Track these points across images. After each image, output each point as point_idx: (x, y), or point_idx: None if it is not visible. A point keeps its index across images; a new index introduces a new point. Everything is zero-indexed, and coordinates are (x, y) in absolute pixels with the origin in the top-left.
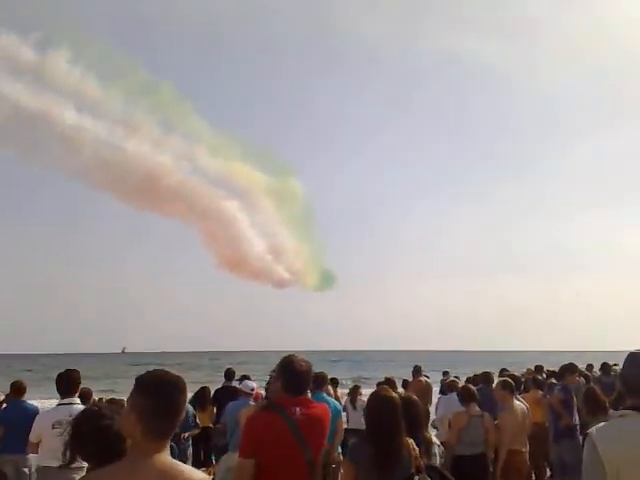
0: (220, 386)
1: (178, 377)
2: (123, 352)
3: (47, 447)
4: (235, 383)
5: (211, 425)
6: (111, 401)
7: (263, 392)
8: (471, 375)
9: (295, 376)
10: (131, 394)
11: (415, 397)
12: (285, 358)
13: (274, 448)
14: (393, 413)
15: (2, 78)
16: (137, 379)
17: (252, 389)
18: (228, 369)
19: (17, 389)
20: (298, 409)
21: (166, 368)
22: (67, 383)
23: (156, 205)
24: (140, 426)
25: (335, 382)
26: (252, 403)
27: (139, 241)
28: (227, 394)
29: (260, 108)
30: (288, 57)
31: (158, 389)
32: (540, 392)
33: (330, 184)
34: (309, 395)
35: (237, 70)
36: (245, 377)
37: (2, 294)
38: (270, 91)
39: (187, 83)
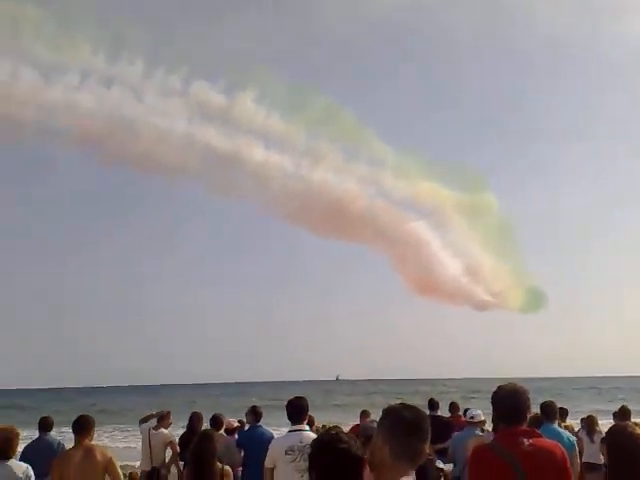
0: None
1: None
2: (337, 380)
3: (281, 473)
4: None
5: None
6: (334, 428)
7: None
8: None
9: (504, 405)
10: (380, 421)
11: None
12: (497, 387)
13: None
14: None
15: (195, 123)
16: (384, 410)
17: (473, 418)
18: (430, 399)
19: (255, 414)
20: (525, 440)
21: (376, 395)
22: (297, 410)
23: (343, 232)
24: (388, 445)
25: (564, 412)
26: (479, 432)
27: (349, 270)
28: (434, 424)
29: (445, 120)
30: (473, 64)
31: (404, 412)
32: None
33: (521, 198)
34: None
35: (417, 85)
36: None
37: (227, 328)
38: (457, 102)
39: (367, 106)
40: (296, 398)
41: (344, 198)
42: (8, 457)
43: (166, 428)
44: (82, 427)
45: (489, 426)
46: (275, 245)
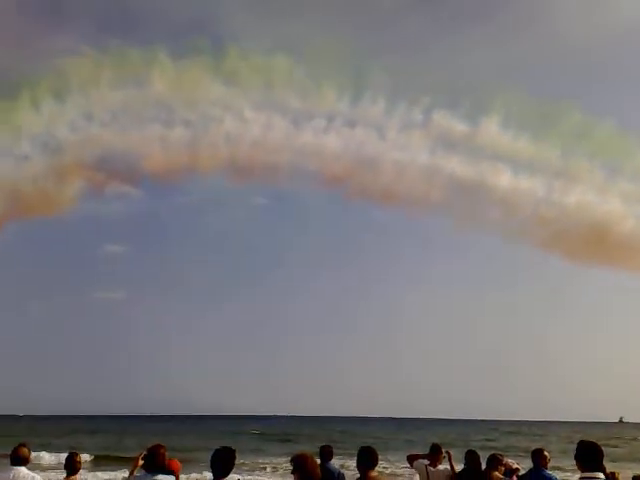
0: None
1: None
2: (620, 422)
3: None
4: None
5: None
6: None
7: None
8: None
9: None
10: None
11: None
12: None
13: None
14: None
15: (438, 153)
16: None
17: None
18: None
19: (541, 457)
20: None
21: None
22: (592, 455)
23: (608, 257)
24: None
25: None
26: None
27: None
28: None
29: None
30: None
31: None
32: None
33: None
34: None
35: None
36: None
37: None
38: None
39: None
40: (588, 442)
41: (607, 220)
42: None
43: (441, 463)
44: (368, 459)
45: None
46: (522, 275)
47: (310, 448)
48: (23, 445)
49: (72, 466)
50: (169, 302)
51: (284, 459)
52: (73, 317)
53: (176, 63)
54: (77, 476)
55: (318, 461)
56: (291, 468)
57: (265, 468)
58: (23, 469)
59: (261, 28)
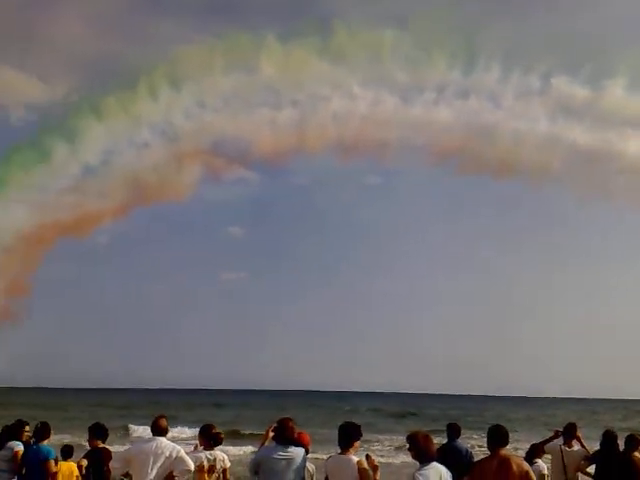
0: None
1: None
2: None
3: None
4: None
5: None
6: None
7: None
8: None
9: None
10: None
11: None
12: None
13: None
14: None
15: (557, 121)
16: None
17: None
18: None
19: None
20: None
21: None
22: None
23: None
24: None
25: None
26: None
27: None
28: None
29: None
30: None
31: None
32: None
33: None
34: None
35: None
36: None
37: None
38: None
39: None
40: None
41: None
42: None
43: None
44: (499, 437)
45: None
46: None
47: (424, 426)
48: (163, 417)
49: (213, 438)
50: (285, 282)
51: (401, 436)
52: (203, 297)
53: (284, 46)
54: (217, 449)
55: (436, 440)
56: (408, 444)
57: (383, 443)
58: (164, 439)
59: (365, 2)
